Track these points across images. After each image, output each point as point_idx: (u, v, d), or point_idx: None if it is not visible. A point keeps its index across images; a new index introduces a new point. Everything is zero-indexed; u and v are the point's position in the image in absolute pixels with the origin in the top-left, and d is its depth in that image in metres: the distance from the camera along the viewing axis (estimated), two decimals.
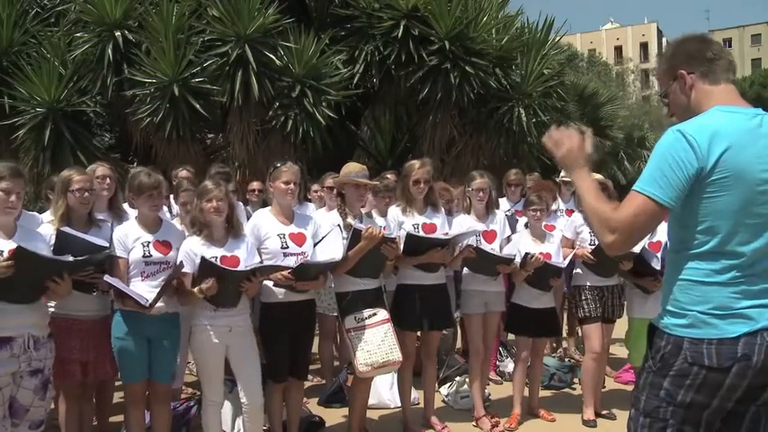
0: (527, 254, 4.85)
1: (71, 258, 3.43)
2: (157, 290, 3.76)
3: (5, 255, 3.28)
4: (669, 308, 2.14)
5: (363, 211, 4.54)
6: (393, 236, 4.46)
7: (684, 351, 2.05)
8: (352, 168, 4.49)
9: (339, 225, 4.33)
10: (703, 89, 2.18)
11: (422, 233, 4.68)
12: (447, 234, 4.73)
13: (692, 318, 2.07)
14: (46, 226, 3.93)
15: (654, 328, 2.18)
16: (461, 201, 5.33)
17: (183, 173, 5.68)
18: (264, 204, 5.56)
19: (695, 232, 2.08)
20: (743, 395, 2.05)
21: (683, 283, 2.12)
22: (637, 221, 2.07)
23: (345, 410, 4.87)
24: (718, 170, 2.01)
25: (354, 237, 4.20)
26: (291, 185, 4.21)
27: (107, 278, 3.69)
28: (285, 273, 4.01)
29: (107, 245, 3.79)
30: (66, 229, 3.76)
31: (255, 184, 6.35)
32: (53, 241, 3.69)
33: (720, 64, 2.19)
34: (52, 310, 3.75)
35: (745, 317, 2.03)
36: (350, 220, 4.36)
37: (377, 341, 4.22)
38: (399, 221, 4.69)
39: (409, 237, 4.52)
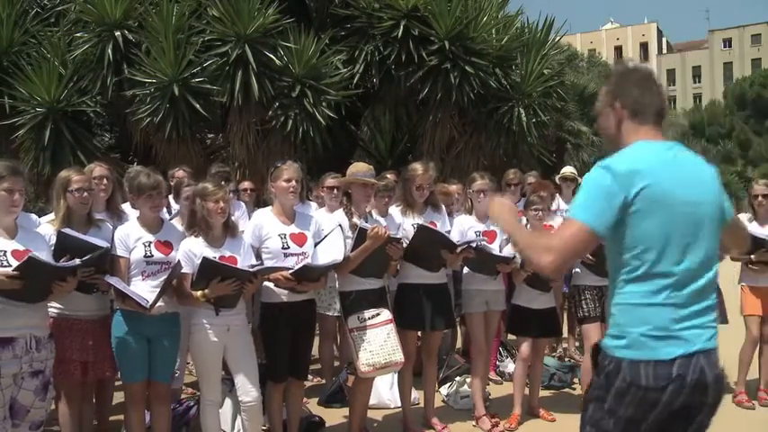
0: None
1: (78, 261, 3.45)
2: (158, 290, 3.77)
3: (9, 257, 3.30)
4: (611, 330, 2.27)
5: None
6: (398, 236, 4.46)
7: (623, 371, 2.17)
8: (360, 168, 4.49)
9: (341, 225, 4.33)
10: (631, 126, 2.33)
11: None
12: (457, 240, 4.74)
13: (630, 339, 2.18)
14: (46, 226, 3.94)
15: (599, 349, 2.30)
16: (463, 200, 5.33)
17: (179, 173, 5.68)
18: (260, 204, 5.56)
19: (628, 258, 2.20)
20: (680, 410, 2.16)
21: (622, 307, 2.23)
22: (572, 244, 2.19)
23: (345, 410, 4.87)
24: (639, 198, 2.15)
25: (360, 236, 4.20)
26: (293, 183, 4.20)
27: (108, 278, 3.71)
28: (286, 274, 4.01)
29: (107, 245, 3.79)
30: (66, 230, 3.76)
31: (247, 184, 6.36)
32: (53, 242, 3.70)
33: (652, 109, 2.32)
34: (52, 310, 3.77)
35: (681, 339, 2.15)
36: (356, 219, 4.36)
37: (379, 342, 4.23)
38: (398, 222, 4.69)
39: (420, 228, 4.53)
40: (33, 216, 4.32)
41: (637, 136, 2.30)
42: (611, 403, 2.19)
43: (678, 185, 2.19)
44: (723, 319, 5.73)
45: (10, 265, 3.28)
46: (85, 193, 3.96)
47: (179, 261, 3.85)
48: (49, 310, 3.69)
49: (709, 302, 2.23)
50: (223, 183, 4.42)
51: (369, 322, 4.27)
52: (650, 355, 2.14)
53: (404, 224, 4.69)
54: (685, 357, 2.13)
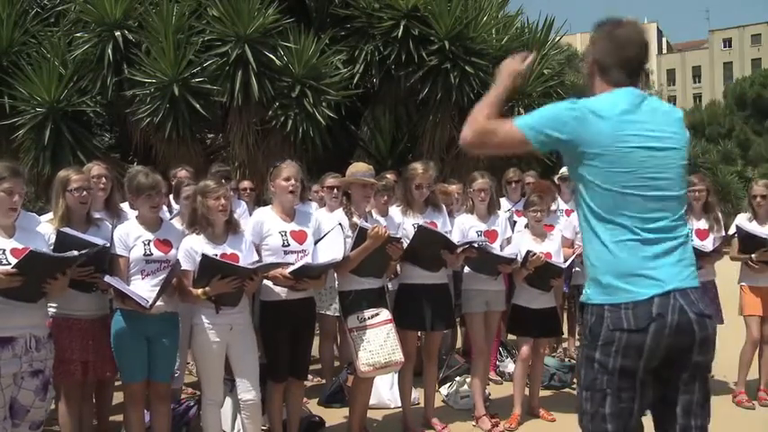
0: (528, 252, 4.84)
1: (76, 253, 3.45)
2: (157, 289, 3.76)
3: (8, 256, 3.30)
4: (587, 278, 2.30)
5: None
6: (398, 236, 4.46)
7: (606, 319, 2.19)
8: (360, 168, 4.49)
9: (341, 224, 4.33)
10: (600, 81, 2.36)
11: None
12: (458, 240, 4.74)
13: (606, 285, 2.21)
14: (44, 226, 3.92)
15: (583, 306, 2.32)
16: (464, 200, 5.33)
17: (182, 173, 5.68)
18: (260, 204, 5.56)
19: (595, 199, 2.23)
20: (667, 355, 2.17)
21: (594, 252, 2.26)
22: (498, 133, 2.29)
23: (345, 410, 4.87)
24: (598, 143, 2.19)
25: (360, 236, 4.20)
26: (292, 181, 4.20)
27: (107, 278, 3.70)
28: (285, 272, 4.01)
29: (107, 244, 3.79)
30: (66, 230, 3.75)
31: (246, 183, 6.34)
32: (52, 241, 3.70)
33: (623, 70, 2.32)
34: (52, 310, 3.76)
35: (654, 278, 2.17)
36: (356, 219, 4.36)
37: (379, 341, 4.22)
38: (398, 222, 4.69)
39: (420, 229, 4.53)
40: (35, 215, 4.31)
41: (603, 90, 2.34)
42: (599, 358, 2.19)
43: (646, 129, 2.22)
44: (719, 319, 5.73)
45: (9, 264, 3.28)
46: (84, 193, 3.95)
47: (178, 260, 3.85)
48: (49, 309, 3.69)
49: (680, 240, 2.25)
50: (223, 181, 4.42)
51: (368, 322, 4.27)
52: (628, 298, 2.16)
53: (404, 224, 4.69)
54: (662, 296, 2.15)
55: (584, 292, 2.31)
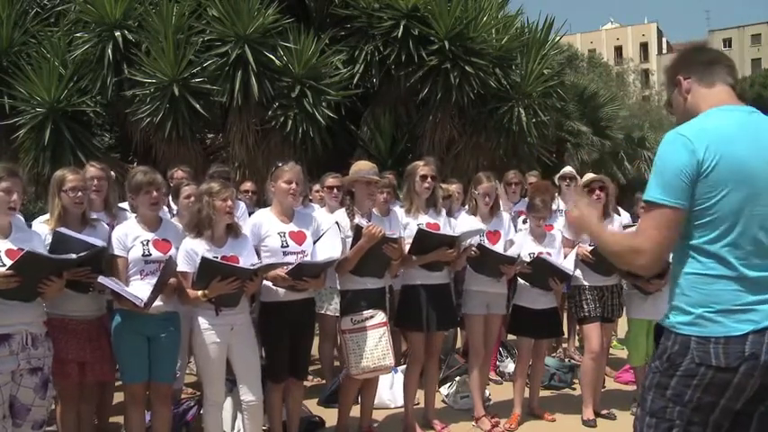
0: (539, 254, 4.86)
1: (74, 256, 3.45)
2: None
3: (3, 257, 3.30)
4: (675, 304, 2.15)
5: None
6: (396, 236, 4.45)
7: (692, 351, 2.05)
8: (363, 167, 4.49)
9: (338, 223, 4.32)
10: (699, 92, 2.24)
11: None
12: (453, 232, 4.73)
13: (698, 315, 2.06)
14: (41, 226, 3.91)
15: (661, 329, 2.17)
16: (468, 200, 5.32)
17: (178, 173, 5.66)
18: (261, 205, 5.55)
19: (699, 227, 2.09)
20: (751, 394, 2.04)
21: (688, 279, 2.12)
22: (660, 234, 2.08)
23: None
24: (715, 168, 2.05)
25: (357, 234, 4.20)
26: (293, 185, 4.19)
27: (101, 279, 3.67)
28: (282, 273, 4.00)
29: (103, 244, 3.78)
30: (62, 230, 3.74)
31: (248, 186, 6.31)
32: (48, 241, 3.69)
33: (716, 68, 2.24)
34: (47, 310, 3.74)
35: (750, 313, 2.02)
36: (357, 220, 4.35)
37: (371, 346, 4.23)
38: (404, 223, 4.68)
39: (420, 232, 4.52)
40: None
41: (709, 101, 2.19)
42: (675, 388, 2.06)
43: (758, 154, 2.07)
44: None
45: (4, 265, 3.28)
46: (80, 193, 3.92)
47: (170, 257, 3.83)
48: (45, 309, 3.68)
49: None
50: (228, 183, 4.41)
51: (361, 325, 4.26)
52: (720, 332, 2.01)
53: (410, 225, 4.66)
54: (757, 333, 1.99)
55: (667, 316, 2.16)
